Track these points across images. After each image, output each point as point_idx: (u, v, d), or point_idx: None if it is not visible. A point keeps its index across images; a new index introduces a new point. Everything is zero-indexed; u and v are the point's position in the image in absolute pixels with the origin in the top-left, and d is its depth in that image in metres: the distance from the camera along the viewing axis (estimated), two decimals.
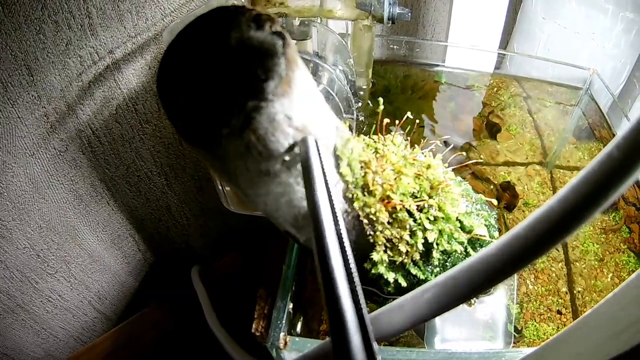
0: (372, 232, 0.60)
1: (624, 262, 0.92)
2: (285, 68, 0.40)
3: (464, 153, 0.95)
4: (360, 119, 0.93)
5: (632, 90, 1.34)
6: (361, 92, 0.98)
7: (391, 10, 0.86)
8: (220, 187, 0.90)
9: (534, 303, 0.87)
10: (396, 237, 0.61)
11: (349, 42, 0.93)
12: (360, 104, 0.95)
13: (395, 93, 1.25)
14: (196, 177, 1.26)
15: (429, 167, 0.65)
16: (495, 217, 0.77)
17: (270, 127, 0.41)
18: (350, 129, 0.81)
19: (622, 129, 0.30)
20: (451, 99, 1.30)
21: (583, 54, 1.28)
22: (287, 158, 0.44)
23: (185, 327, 1.31)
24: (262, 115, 0.39)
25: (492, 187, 1.02)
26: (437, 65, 1.32)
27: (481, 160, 1.05)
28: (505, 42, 1.44)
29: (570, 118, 1.26)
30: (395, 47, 1.26)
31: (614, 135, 1.13)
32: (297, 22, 0.85)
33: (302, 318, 0.77)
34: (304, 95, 0.43)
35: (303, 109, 0.43)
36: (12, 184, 0.90)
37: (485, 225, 0.72)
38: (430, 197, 0.63)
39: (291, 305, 0.71)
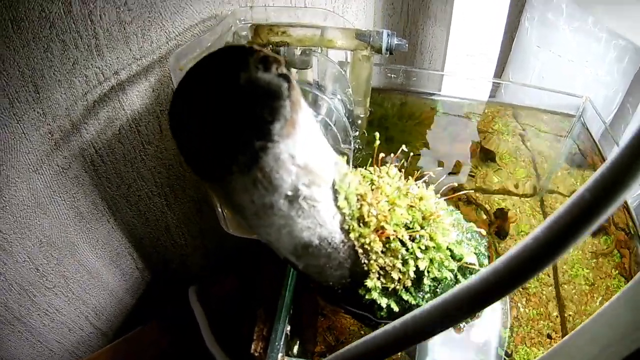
0: (366, 261, 0.64)
1: (615, 287, 0.95)
2: (290, 110, 0.44)
3: (456, 184, 0.98)
4: (357, 147, 0.97)
5: (625, 115, 1.37)
6: (359, 121, 1.02)
7: (389, 41, 0.90)
8: (220, 210, 0.92)
9: (525, 327, 0.89)
10: (389, 265, 0.65)
11: (348, 71, 0.97)
12: (357, 133, 0.98)
13: (392, 121, 1.29)
14: (195, 198, 1.29)
15: (421, 199, 0.69)
16: (485, 245, 0.81)
17: (275, 166, 0.45)
18: (348, 159, 0.85)
19: (594, 173, 0.34)
20: (447, 127, 1.34)
21: (577, 81, 1.32)
22: (289, 193, 0.49)
23: (181, 347, 1.32)
24: (268, 155, 0.44)
25: (484, 214, 1.05)
26: (434, 94, 1.35)
27: (471, 190, 1.08)
28: (500, 70, 1.47)
29: (562, 145, 1.30)
30: (392, 75, 1.30)
31: (604, 160, 1.17)
32: (298, 51, 0.89)
33: (298, 341, 0.81)
34: (306, 134, 0.47)
35: (305, 147, 0.47)
36: (14, 199, 0.92)
37: (475, 254, 0.76)
38: (422, 227, 0.67)
39: (289, 328, 0.75)
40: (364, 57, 0.92)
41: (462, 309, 0.43)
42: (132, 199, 1.16)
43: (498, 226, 1.03)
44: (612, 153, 0.34)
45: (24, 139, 0.89)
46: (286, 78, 0.46)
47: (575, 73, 1.33)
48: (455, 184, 0.92)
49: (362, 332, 0.84)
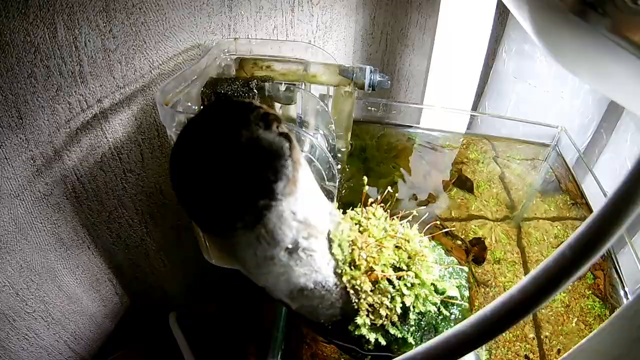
0: (356, 300, 0.68)
1: (589, 307, 0.99)
2: (292, 169, 0.47)
3: (440, 223, 1.01)
4: (340, 181, 0.98)
5: (599, 142, 1.42)
6: (339, 155, 1.04)
7: (372, 77, 0.93)
8: (202, 240, 0.94)
9: (502, 349, 0.92)
10: (377, 303, 0.69)
11: (330, 106, 0.99)
12: (339, 166, 1.01)
13: (370, 152, 1.32)
14: (175, 226, 1.31)
15: (407, 240, 0.73)
16: (465, 277, 0.84)
17: (278, 222, 0.48)
18: (332, 197, 0.88)
19: (575, 232, 0.39)
20: (424, 158, 1.37)
21: (552, 111, 1.36)
22: (290, 246, 0.52)
23: None
24: (272, 213, 0.46)
25: (460, 242, 1.08)
26: (412, 126, 1.39)
27: (449, 229, 1.10)
28: (477, 100, 1.49)
29: (538, 173, 1.34)
30: (373, 109, 1.33)
31: (578, 187, 1.22)
32: (283, 87, 0.91)
33: None
34: (305, 191, 0.50)
35: (305, 203, 0.50)
36: None
37: (457, 287, 0.80)
38: (408, 266, 0.71)
39: None
40: (347, 92, 0.95)
41: (455, 352, 0.47)
42: (113, 225, 1.17)
43: (475, 253, 1.06)
44: (591, 215, 0.39)
45: (5, 165, 0.89)
46: (287, 137, 0.49)
47: (551, 103, 1.37)
48: (438, 222, 0.95)
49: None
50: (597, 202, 1.17)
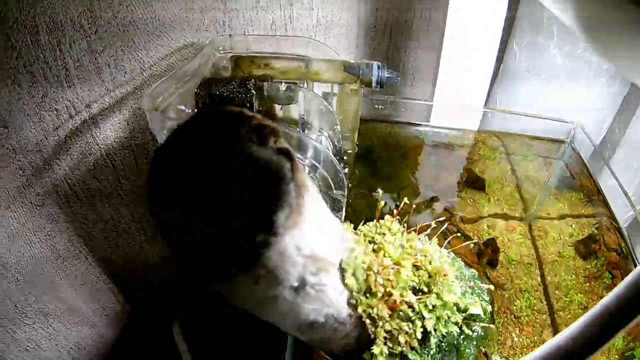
0: (373, 329, 0.57)
1: None
2: (295, 196, 0.36)
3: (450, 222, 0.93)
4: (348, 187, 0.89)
5: (614, 137, 1.34)
6: (345, 157, 0.95)
7: (380, 74, 0.83)
8: None
9: (520, 356, 0.84)
10: (396, 329, 0.58)
11: (335, 104, 0.90)
12: (346, 170, 0.91)
13: (378, 152, 1.24)
14: None
15: (426, 256, 0.63)
16: (486, 291, 0.75)
17: (279, 261, 0.37)
18: (340, 207, 0.77)
19: (618, 287, 0.33)
20: (433, 156, 1.29)
21: (566, 106, 1.28)
22: (295, 284, 0.41)
23: None
24: (272, 251, 0.35)
25: (472, 245, 1.00)
26: (421, 125, 1.31)
27: (458, 234, 1.02)
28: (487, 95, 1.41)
29: (552, 170, 1.27)
30: (380, 106, 1.24)
31: (595, 184, 1.15)
32: (283, 86, 0.81)
33: None
34: (313, 219, 0.39)
35: (312, 234, 0.39)
36: None
37: (479, 302, 0.70)
38: (428, 286, 0.61)
39: None
40: (353, 90, 0.85)
41: None
42: (110, 235, 1.10)
43: (489, 256, 0.97)
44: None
45: None
46: (287, 155, 0.37)
47: (565, 98, 1.28)
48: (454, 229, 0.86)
49: None
50: (614, 198, 1.09)
